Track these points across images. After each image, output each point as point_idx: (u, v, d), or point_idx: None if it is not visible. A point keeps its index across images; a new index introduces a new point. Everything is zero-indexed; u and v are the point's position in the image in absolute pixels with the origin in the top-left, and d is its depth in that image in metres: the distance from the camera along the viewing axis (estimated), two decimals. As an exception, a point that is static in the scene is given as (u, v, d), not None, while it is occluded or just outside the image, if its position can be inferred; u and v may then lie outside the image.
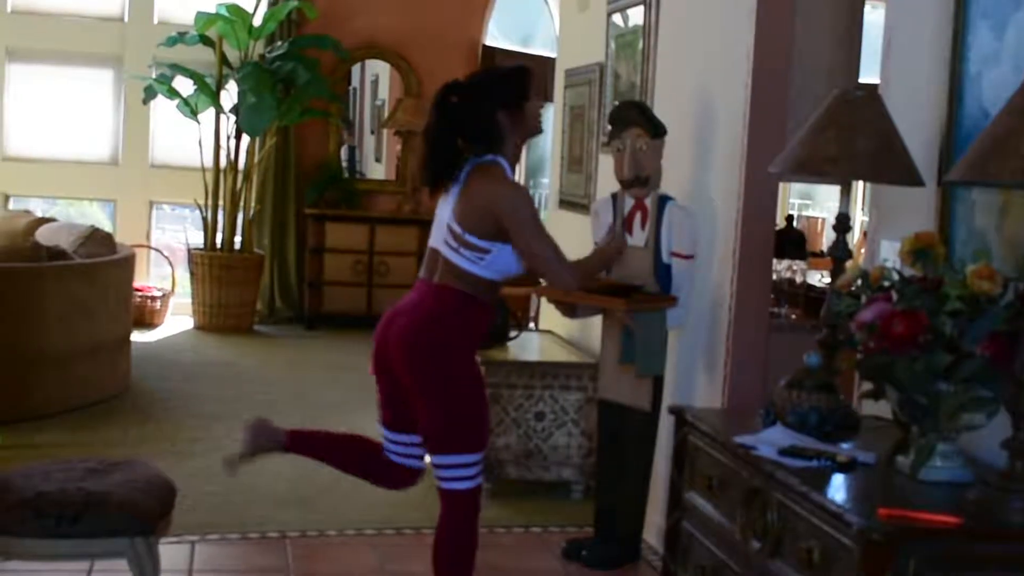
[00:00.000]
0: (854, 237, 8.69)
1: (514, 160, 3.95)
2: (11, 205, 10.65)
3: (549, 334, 6.73)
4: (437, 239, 3.92)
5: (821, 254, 8.80)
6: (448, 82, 3.93)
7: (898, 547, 2.35)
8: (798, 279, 5.60)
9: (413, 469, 4.13)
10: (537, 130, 4.00)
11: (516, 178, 4.04)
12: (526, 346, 6.30)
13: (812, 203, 13.45)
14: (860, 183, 8.49)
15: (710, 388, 4.87)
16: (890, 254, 3.47)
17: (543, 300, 7.22)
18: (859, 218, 9.36)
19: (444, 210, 3.91)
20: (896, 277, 2.80)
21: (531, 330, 7.14)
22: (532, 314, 7.89)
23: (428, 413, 3.87)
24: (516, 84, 3.91)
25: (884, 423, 3.20)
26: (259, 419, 4.10)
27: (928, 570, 2.36)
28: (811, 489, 2.60)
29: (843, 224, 3.42)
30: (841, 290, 2.99)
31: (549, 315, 6.80)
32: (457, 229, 3.83)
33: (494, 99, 3.87)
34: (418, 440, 4.01)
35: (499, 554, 5.02)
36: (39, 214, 8.92)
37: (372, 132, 12.27)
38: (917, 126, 3.41)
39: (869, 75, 5.26)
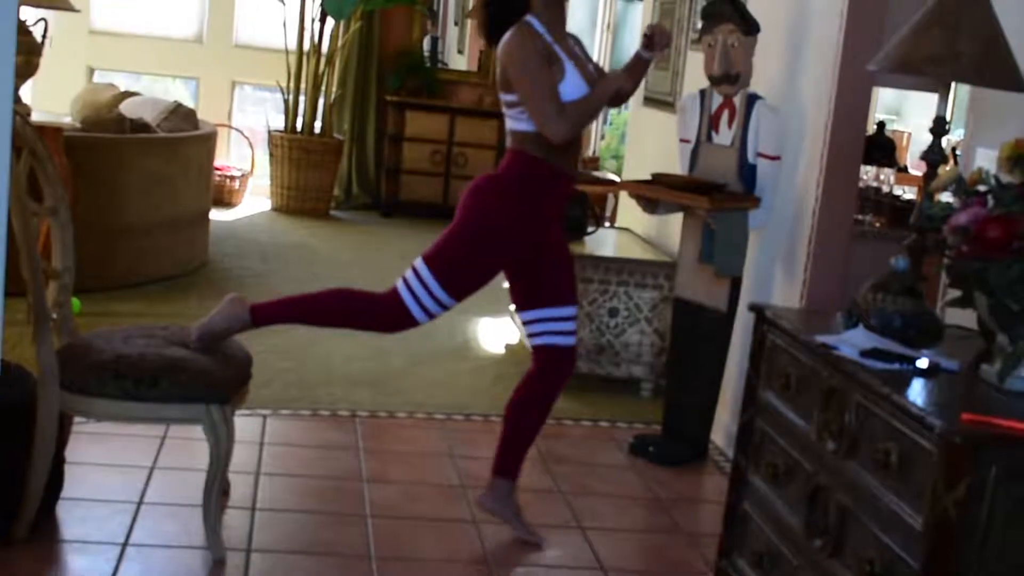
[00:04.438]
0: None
1: (551, 19, 3.82)
2: (95, 78, 10.72)
3: (627, 231, 6.69)
4: None
5: (905, 169, 8.60)
6: None
7: (979, 452, 2.31)
8: (885, 188, 5.49)
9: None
10: None
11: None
12: (603, 242, 6.27)
13: (899, 118, 13.14)
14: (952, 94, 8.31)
15: (788, 292, 4.81)
16: (985, 162, 3.39)
17: (622, 196, 7.19)
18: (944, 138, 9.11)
19: None
20: (993, 182, 2.73)
21: (608, 227, 7.10)
22: (609, 211, 7.85)
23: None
24: None
25: (968, 333, 3.14)
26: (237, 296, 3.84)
27: (1009, 478, 2.33)
28: (893, 391, 2.57)
29: (940, 127, 3.33)
30: (934, 193, 2.93)
31: (627, 212, 6.76)
32: (499, 93, 3.87)
33: None
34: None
35: (566, 446, 5.03)
36: (123, 89, 8.95)
37: (456, 23, 12.16)
38: (1022, 30, 3.30)
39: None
